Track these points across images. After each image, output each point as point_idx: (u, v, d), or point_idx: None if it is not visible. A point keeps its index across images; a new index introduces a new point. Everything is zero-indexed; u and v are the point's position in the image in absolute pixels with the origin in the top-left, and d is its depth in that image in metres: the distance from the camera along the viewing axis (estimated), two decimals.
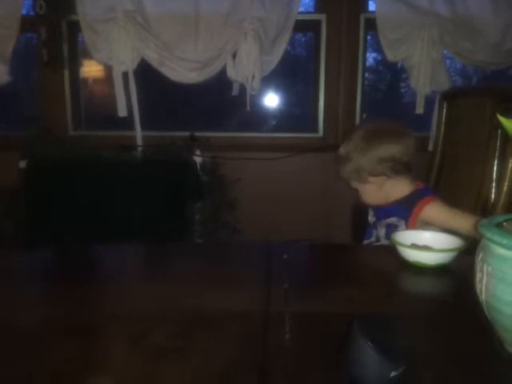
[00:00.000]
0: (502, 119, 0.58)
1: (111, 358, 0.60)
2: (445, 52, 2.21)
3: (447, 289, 0.87)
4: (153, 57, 2.13)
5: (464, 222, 1.20)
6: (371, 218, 1.38)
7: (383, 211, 1.34)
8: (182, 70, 2.16)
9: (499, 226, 0.61)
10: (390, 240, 1.27)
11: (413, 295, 0.82)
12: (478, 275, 0.60)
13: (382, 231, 1.34)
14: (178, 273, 0.93)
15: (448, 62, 2.53)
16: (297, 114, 2.46)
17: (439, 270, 0.91)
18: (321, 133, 2.32)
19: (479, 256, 0.60)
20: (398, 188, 1.29)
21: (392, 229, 1.31)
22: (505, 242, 0.54)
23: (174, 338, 0.64)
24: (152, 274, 0.94)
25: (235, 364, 0.57)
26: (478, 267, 0.60)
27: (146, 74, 2.22)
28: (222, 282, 0.88)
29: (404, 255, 0.95)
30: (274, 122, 2.46)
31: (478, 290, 0.60)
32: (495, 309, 0.56)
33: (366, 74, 2.60)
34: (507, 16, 2.12)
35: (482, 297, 0.59)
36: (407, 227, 1.32)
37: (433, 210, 1.28)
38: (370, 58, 2.58)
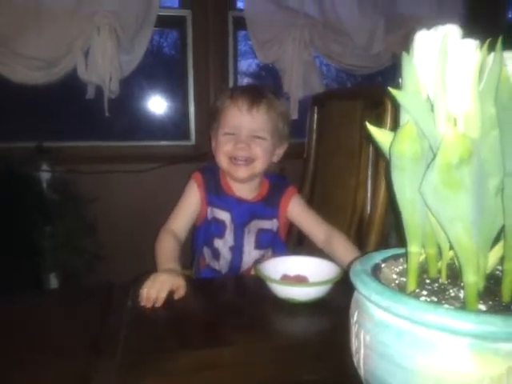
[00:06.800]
0: (371, 129, 0.43)
1: None
2: (317, 56, 2.15)
3: (322, 338, 0.71)
4: None
5: (320, 232, 1.09)
6: (227, 221, 1.11)
7: (245, 211, 1.11)
8: (24, 69, 1.82)
9: (376, 269, 0.46)
10: (260, 249, 1.11)
11: (281, 354, 0.65)
12: (354, 343, 0.44)
13: (250, 239, 1.11)
14: None
15: (324, 68, 2.50)
16: (166, 120, 2.23)
17: (315, 306, 0.77)
18: (193, 140, 2.12)
19: (354, 316, 0.44)
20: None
21: (266, 236, 1.13)
22: (384, 303, 0.38)
23: None
24: None
25: None
26: (353, 331, 0.44)
27: None
28: (39, 352, 0.63)
29: (274, 291, 0.79)
30: (139, 130, 2.20)
31: (355, 362, 0.44)
32: None
33: (247, 80, 2.46)
34: (373, 21, 2.13)
35: (361, 372, 0.43)
36: (280, 232, 1.15)
37: (296, 206, 1.14)
38: (253, 63, 2.45)
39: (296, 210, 1.13)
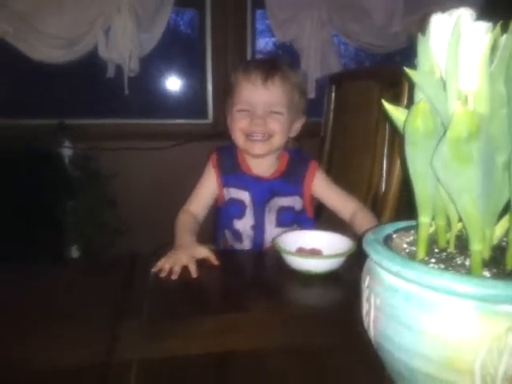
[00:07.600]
0: (387, 107, 0.45)
1: None
2: (336, 35, 2.15)
3: (335, 307, 0.74)
4: (6, 30, 1.80)
5: (347, 208, 1.08)
6: (246, 200, 1.10)
7: (265, 189, 1.09)
8: (45, 48, 1.86)
9: (388, 239, 0.49)
10: (282, 228, 1.09)
11: (296, 320, 0.68)
12: (365, 306, 0.47)
13: (271, 218, 1.09)
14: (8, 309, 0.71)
15: (342, 47, 2.49)
16: (184, 98, 2.26)
17: (328, 278, 0.80)
18: (210, 119, 2.15)
19: (365, 281, 0.47)
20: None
21: (287, 214, 1.10)
22: (394, 268, 0.41)
23: None
24: None
25: None
26: (364, 295, 0.47)
27: (2, 52, 1.87)
28: (60, 320, 0.68)
29: (290, 263, 0.83)
30: (157, 108, 2.23)
31: (365, 324, 0.48)
32: (387, 351, 0.44)
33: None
34: (392, 0, 2.11)
35: (371, 334, 0.47)
36: (306, 208, 1.13)
37: (322, 182, 1.11)
38: (271, 42, 2.46)
39: (321, 185, 1.11)
